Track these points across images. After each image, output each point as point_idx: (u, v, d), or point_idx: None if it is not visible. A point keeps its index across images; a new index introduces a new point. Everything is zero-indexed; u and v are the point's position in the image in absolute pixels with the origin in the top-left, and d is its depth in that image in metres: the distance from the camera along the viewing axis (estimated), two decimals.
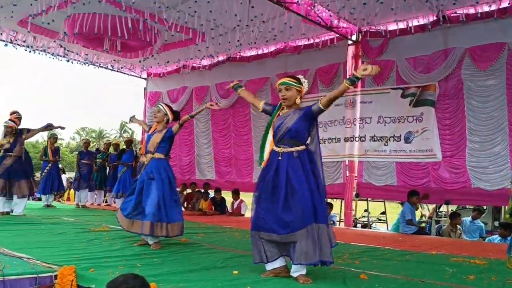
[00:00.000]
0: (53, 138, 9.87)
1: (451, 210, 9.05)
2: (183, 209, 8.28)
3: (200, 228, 6.91)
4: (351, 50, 9.21)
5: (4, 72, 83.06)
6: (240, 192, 10.27)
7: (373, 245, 5.69)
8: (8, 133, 7.30)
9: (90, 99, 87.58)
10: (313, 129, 3.60)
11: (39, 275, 3.18)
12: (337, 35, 8.87)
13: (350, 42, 9.17)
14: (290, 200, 3.37)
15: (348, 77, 3.60)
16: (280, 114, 3.65)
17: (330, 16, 8.07)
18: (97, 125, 61.32)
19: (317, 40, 9.19)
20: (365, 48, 8.97)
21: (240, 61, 10.80)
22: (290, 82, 3.59)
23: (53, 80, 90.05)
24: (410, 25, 8.09)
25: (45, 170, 9.41)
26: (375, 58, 8.78)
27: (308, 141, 3.59)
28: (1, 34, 9.55)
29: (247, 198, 10.34)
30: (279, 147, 3.55)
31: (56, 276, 3.24)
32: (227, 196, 10.80)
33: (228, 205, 10.51)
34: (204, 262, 4.01)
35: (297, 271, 3.38)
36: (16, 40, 9.78)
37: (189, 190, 11.37)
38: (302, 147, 3.52)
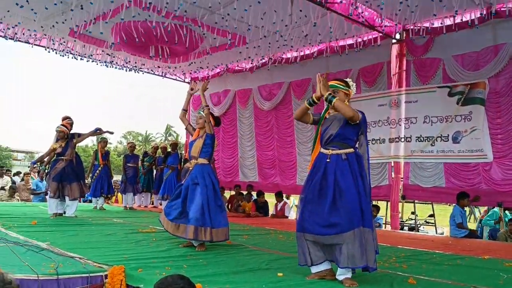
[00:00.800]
0: (103, 142, 10.05)
1: (509, 215, 8.61)
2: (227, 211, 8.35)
3: (244, 230, 6.94)
4: (395, 49, 9.03)
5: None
6: (283, 194, 10.24)
7: (421, 249, 5.53)
8: (60, 138, 7.57)
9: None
10: (362, 134, 3.54)
11: (91, 275, 3.30)
12: (381, 34, 8.69)
13: (394, 41, 8.98)
14: (338, 202, 3.34)
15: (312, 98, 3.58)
16: (327, 117, 3.62)
17: (371, 7, 7.78)
18: (142, 129, 62.99)
19: (359, 40, 8.99)
20: (410, 47, 8.76)
21: (282, 63, 10.80)
22: (338, 85, 3.56)
23: None
24: (456, 21, 7.82)
25: (96, 174, 9.66)
26: (420, 56, 8.58)
27: (356, 145, 3.55)
28: (54, 44, 9.95)
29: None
30: (328, 149, 3.51)
31: (106, 276, 3.36)
32: (271, 198, 10.77)
33: (271, 207, 10.51)
34: (249, 264, 4.03)
35: (342, 274, 3.34)
36: (68, 49, 10.19)
37: (232, 192, 11.47)
38: (351, 150, 3.48)
